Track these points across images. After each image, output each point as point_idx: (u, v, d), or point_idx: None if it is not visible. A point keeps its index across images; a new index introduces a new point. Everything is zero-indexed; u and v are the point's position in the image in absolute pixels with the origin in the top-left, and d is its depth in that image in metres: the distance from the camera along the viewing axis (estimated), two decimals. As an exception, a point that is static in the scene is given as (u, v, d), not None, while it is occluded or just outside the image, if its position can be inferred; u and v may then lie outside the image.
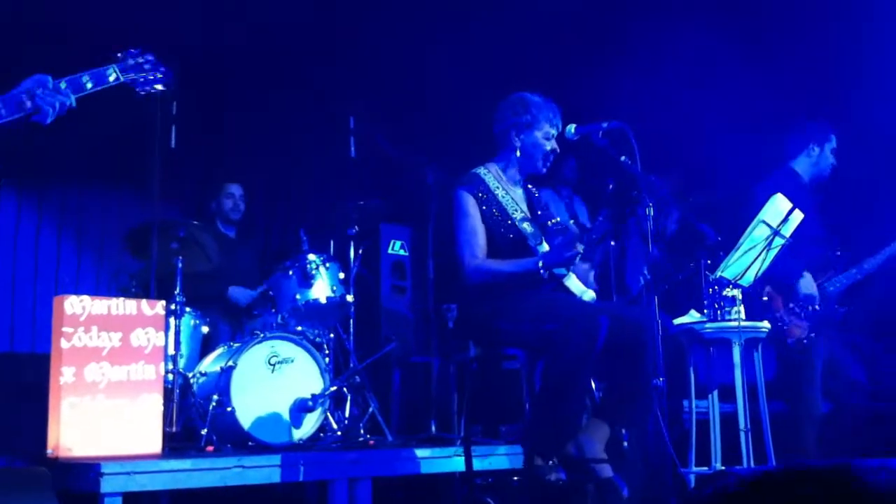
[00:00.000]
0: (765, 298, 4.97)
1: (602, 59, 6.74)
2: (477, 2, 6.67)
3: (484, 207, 3.83)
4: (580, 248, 3.66)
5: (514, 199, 3.89)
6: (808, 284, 4.98)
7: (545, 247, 3.83)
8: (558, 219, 4.02)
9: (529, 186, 4.08)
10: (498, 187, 3.88)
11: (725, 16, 6.22)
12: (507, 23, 6.77)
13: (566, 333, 3.50)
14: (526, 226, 3.82)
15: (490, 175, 3.92)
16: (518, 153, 3.94)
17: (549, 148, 3.94)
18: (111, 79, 3.37)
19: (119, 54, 3.46)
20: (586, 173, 6.44)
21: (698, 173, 6.25)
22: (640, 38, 6.52)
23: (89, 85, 3.31)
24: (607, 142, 3.87)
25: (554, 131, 3.93)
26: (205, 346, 5.33)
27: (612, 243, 5.44)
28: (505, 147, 3.99)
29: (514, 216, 3.83)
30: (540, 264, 3.68)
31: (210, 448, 4.49)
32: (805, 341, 4.93)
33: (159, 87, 3.53)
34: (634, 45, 6.60)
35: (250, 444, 4.60)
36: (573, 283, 3.84)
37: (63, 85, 3.23)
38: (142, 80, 3.48)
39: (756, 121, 6.37)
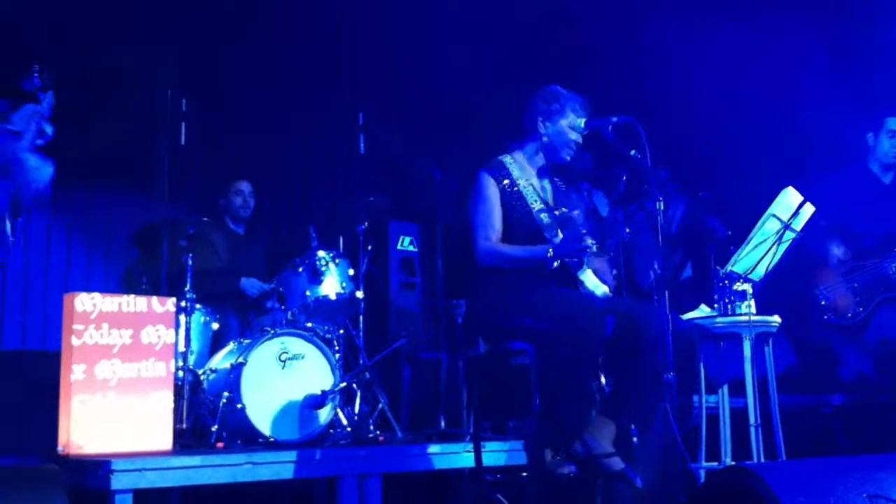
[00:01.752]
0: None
1: (613, 54, 6.72)
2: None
3: (505, 193, 3.85)
4: (589, 241, 3.64)
5: (535, 188, 3.89)
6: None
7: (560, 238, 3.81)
8: (565, 209, 3.99)
9: (556, 181, 4.08)
10: (520, 176, 3.89)
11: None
12: (516, 19, 6.76)
13: (570, 330, 3.50)
14: (544, 216, 3.81)
15: (514, 164, 3.94)
16: (545, 139, 3.95)
17: (573, 137, 3.94)
18: None
19: None
20: (599, 166, 6.42)
21: (706, 168, 6.23)
22: (652, 29, 6.50)
23: None
24: (617, 136, 3.86)
25: (581, 122, 3.93)
26: (215, 343, 5.34)
27: (627, 230, 5.41)
28: (531, 135, 4.00)
29: (532, 206, 3.83)
30: (550, 253, 3.67)
31: (220, 445, 4.50)
32: (851, 315, 4.90)
33: None
34: (646, 38, 6.58)
35: (260, 440, 4.60)
36: (589, 277, 3.80)
37: None
38: None
39: (767, 112, 6.36)
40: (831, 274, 5.05)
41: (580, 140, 3.97)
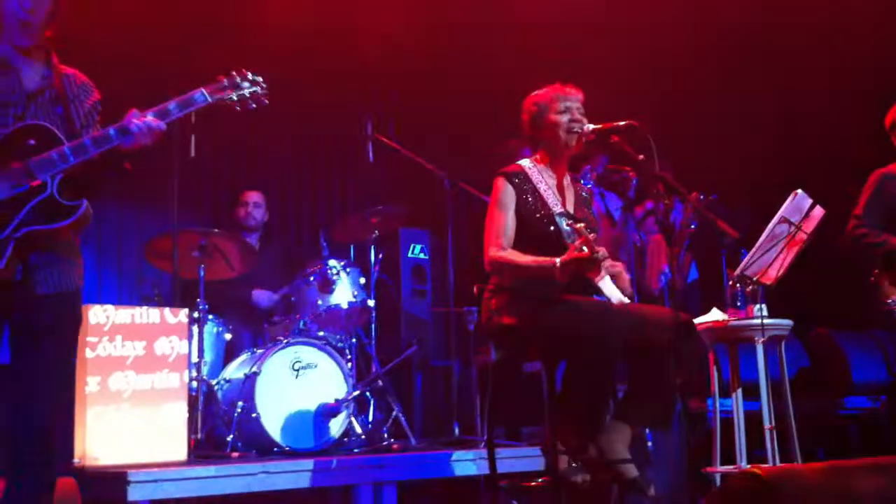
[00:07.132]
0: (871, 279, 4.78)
1: (619, 59, 6.73)
2: (495, 7, 6.68)
3: (523, 197, 3.78)
4: (600, 251, 3.57)
5: (555, 192, 3.83)
6: None
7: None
8: (581, 224, 3.92)
9: (580, 181, 4.03)
10: (540, 180, 3.81)
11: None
12: (524, 25, 6.78)
13: (587, 337, 3.48)
14: (564, 221, 3.73)
15: (534, 168, 3.87)
16: (544, 143, 3.89)
17: (566, 119, 3.83)
18: (198, 100, 3.29)
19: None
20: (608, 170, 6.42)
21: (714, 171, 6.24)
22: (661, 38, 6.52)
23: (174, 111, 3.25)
24: (625, 140, 3.82)
25: (568, 104, 3.84)
26: (228, 354, 5.35)
27: (638, 236, 5.38)
28: (536, 145, 3.94)
29: (553, 209, 3.76)
30: (557, 263, 3.58)
31: (235, 454, 4.51)
32: None
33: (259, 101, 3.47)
34: (655, 45, 6.60)
35: (276, 449, 4.62)
36: (606, 284, 3.73)
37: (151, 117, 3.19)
38: (236, 97, 3.43)
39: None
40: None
41: (581, 121, 3.82)
